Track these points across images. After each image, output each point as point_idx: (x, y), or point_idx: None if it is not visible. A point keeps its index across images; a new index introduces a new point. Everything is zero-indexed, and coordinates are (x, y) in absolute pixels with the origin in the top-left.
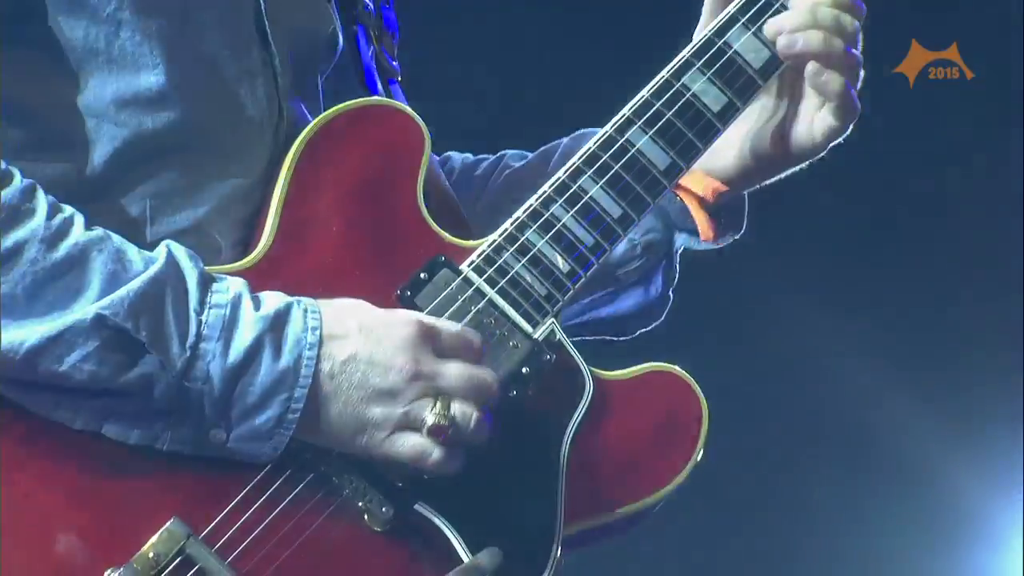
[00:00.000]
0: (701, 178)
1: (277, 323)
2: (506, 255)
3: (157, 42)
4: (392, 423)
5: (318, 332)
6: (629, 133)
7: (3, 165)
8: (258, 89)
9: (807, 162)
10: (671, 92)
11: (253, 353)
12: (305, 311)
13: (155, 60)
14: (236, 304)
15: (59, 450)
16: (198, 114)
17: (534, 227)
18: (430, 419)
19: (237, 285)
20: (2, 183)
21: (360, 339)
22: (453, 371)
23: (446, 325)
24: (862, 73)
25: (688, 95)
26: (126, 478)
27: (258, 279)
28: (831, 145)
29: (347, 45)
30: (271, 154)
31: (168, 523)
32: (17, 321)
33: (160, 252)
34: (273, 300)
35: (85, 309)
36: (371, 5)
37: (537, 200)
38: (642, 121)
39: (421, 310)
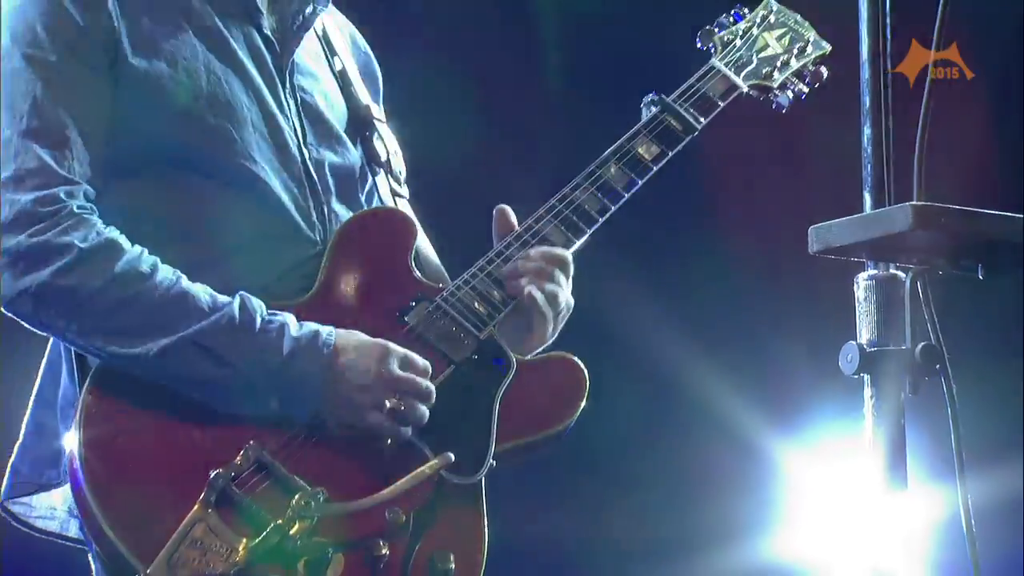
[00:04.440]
0: None
1: (307, 341)
2: (463, 291)
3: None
4: (367, 406)
5: (331, 348)
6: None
7: (139, 249)
8: (309, 201)
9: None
10: (471, 284)
11: (291, 358)
12: (325, 335)
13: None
14: (282, 328)
15: (189, 407)
16: (271, 222)
17: (481, 275)
18: (388, 404)
19: (285, 316)
20: (139, 259)
21: (353, 354)
22: (404, 378)
23: (402, 351)
24: (563, 297)
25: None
26: (222, 422)
27: (309, 309)
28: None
29: (372, 178)
30: (322, 239)
31: (248, 444)
32: (149, 336)
33: (237, 297)
34: (306, 326)
35: (187, 331)
36: (384, 156)
37: (479, 263)
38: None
39: (411, 327)
